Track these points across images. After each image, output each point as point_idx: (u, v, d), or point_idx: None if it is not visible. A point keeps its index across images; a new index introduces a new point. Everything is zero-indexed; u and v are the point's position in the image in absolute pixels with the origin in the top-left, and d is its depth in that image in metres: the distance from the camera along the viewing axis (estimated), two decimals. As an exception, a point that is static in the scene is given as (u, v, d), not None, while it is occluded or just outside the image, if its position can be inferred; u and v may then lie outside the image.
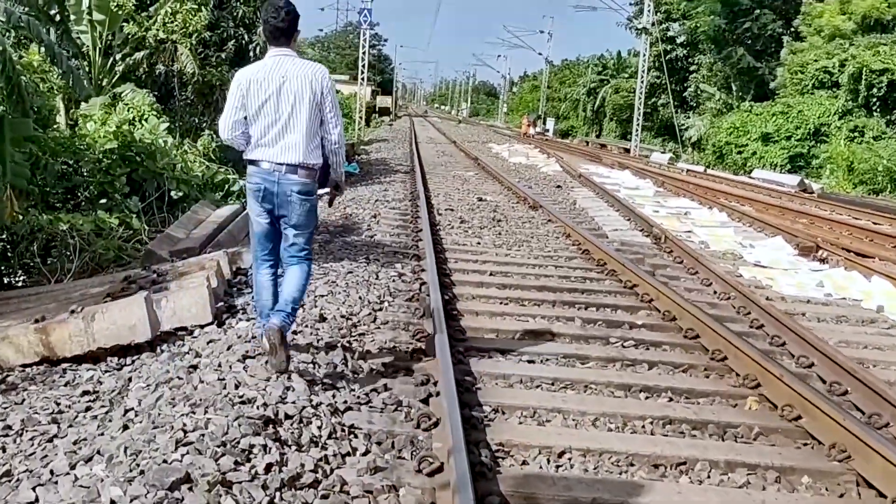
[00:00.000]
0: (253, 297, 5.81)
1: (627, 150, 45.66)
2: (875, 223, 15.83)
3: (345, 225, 11.40)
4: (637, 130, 44.58)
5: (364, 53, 38.86)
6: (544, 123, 64.57)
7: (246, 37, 17.07)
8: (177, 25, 14.16)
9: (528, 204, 15.62)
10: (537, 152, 34.79)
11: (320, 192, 5.23)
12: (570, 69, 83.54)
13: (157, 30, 14.19)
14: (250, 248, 5.46)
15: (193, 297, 6.32)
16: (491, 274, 9.05)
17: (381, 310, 7.00)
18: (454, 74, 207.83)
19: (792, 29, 36.98)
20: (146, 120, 12.46)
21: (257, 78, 4.86)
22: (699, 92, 46.44)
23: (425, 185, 17.55)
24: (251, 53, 17.42)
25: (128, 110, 12.82)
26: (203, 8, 14.65)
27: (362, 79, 39.05)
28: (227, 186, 12.78)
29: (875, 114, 30.13)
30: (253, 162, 4.96)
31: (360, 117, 39.30)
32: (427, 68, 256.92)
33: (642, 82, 44.55)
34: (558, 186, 19.86)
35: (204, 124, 15.51)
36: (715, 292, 8.83)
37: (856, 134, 29.91)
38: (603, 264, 9.83)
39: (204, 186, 12.50)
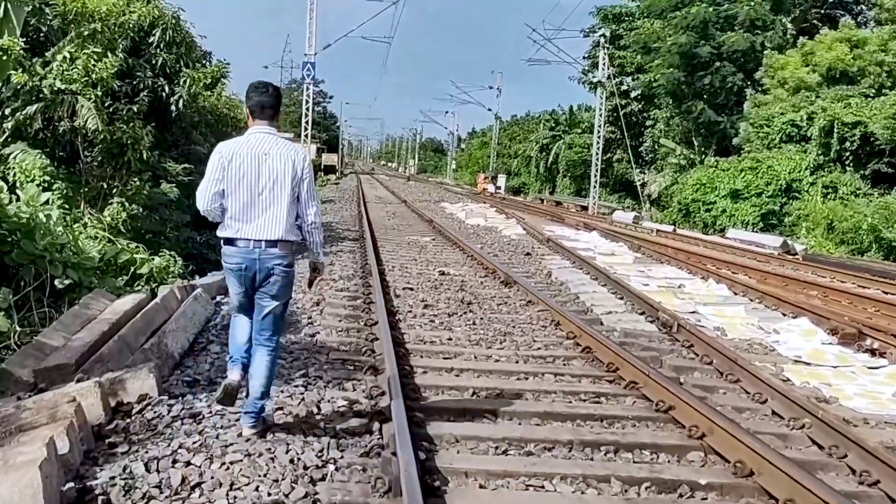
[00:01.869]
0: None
1: (585, 208, 44.01)
2: None
3: (279, 317, 8.99)
4: (595, 186, 42.89)
5: (308, 109, 36.66)
6: (495, 181, 62.72)
7: (167, 88, 14.74)
8: (77, 73, 11.79)
9: (498, 278, 13.37)
10: (494, 212, 32.74)
11: None
12: (520, 125, 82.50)
13: (54, 79, 11.80)
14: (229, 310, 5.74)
15: (18, 485, 3.89)
16: (475, 393, 6.70)
17: (322, 479, 4.60)
18: (401, 131, 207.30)
19: (753, 82, 35.73)
20: (23, 188, 10.03)
21: (239, 152, 4.94)
22: (656, 147, 45.14)
23: (377, 256, 15.22)
24: (173, 107, 15.08)
25: (7, 175, 10.41)
26: (110, 54, 12.29)
27: (306, 136, 36.79)
28: (132, 269, 10.29)
29: (848, 168, 28.70)
30: (230, 241, 4.99)
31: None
32: (373, 125, 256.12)
33: (599, 137, 43.02)
34: (527, 254, 17.66)
35: (114, 190, 13.03)
36: (774, 412, 6.60)
37: (829, 190, 28.43)
38: (614, 369, 7.55)
39: (103, 270, 10.05)
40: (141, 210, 14.18)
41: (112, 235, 11.71)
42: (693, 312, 11.34)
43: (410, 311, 10.10)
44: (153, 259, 11.92)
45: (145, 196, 13.58)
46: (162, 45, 15.05)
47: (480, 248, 18.06)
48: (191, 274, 14.90)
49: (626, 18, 49.38)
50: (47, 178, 11.32)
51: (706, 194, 32.26)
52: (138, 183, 13.23)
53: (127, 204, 12.93)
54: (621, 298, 11.99)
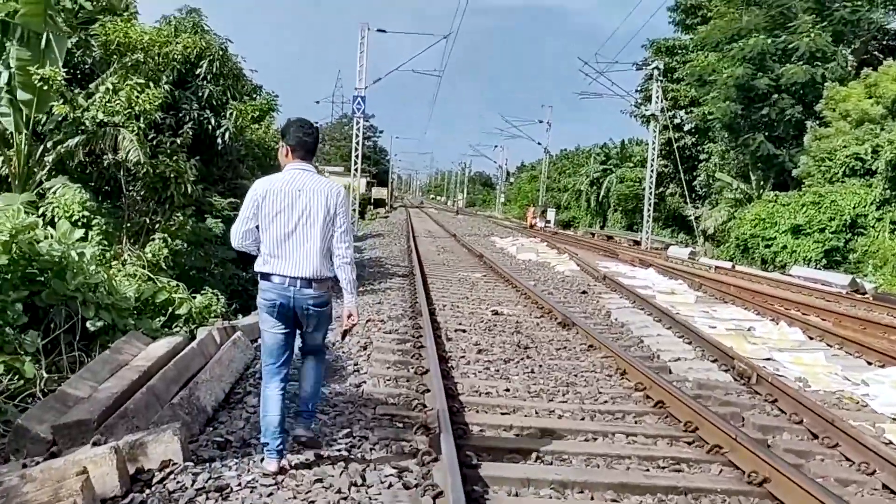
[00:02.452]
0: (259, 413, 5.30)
1: (637, 242, 43.12)
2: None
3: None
4: (648, 221, 41.92)
5: (358, 143, 36.37)
6: (544, 215, 61.83)
7: (213, 120, 14.36)
8: (120, 105, 11.40)
9: (555, 319, 12.64)
10: (546, 247, 31.96)
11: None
12: (569, 159, 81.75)
13: (96, 111, 11.42)
14: (261, 360, 5.37)
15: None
16: (538, 458, 5.97)
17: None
18: (450, 165, 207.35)
19: (813, 114, 34.60)
20: (56, 225, 9.58)
21: (273, 189, 4.94)
22: (711, 181, 44.08)
23: (427, 294, 14.57)
24: (219, 140, 14.68)
25: (47, 210, 10.00)
26: (153, 85, 11.89)
27: (356, 170, 36.47)
28: (171, 309, 9.75)
29: (918, 203, 27.46)
30: (265, 276, 4.99)
31: (354, 210, 36.60)
32: (423, 159, 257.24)
33: (652, 171, 42.14)
34: (584, 292, 16.87)
35: (157, 225, 12.58)
36: (885, 486, 5.77)
37: (896, 226, 27.22)
38: (693, 429, 6.75)
39: (140, 310, 9.53)
40: (185, 246, 13.75)
41: (153, 272, 11.23)
42: (768, 360, 10.48)
43: (463, 357, 9.40)
44: (194, 298, 11.43)
45: (189, 232, 13.14)
46: (209, 77, 14.69)
47: (534, 286, 17.33)
48: (234, 313, 14.48)
49: (679, 51, 48.68)
50: (86, 213, 10.88)
51: (765, 230, 31.13)
52: (182, 218, 12.78)
53: (170, 240, 12.47)
54: (689, 343, 11.16)
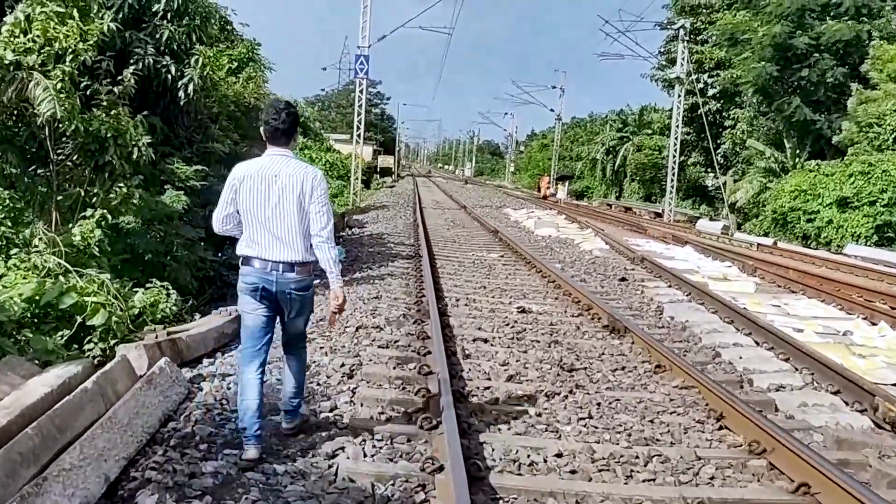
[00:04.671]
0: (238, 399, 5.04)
1: (659, 214, 40.34)
2: None
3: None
4: (671, 192, 39.08)
5: (361, 106, 33.46)
6: (564, 183, 58.77)
7: (173, 69, 11.57)
8: (32, 42, 8.67)
9: (597, 319, 9.95)
10: (564, 220, 29.22)
11: None
12: (582, 127, 78.64)
13: (3, 48, 8.70)
14: (241, 345, 5.19)
15: None
16: None
17: None
18: (458, 134, 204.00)
19: (858, 76, 31.56)
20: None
21: (251, 174, 4.91)
22: (738, 149, 41.13)
23: (436, 284, 11.86)
24: (181, 93, 11.88)
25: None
26: (83, 18, 9.11)
27: (358, 136, 33.58)
28: (82, 317, 7.02)
29: (981, 172, 24.57)
30: (247, 260, 4.96)
31: (357, 178, 33.72)
32: (430, 127, 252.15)
33: (675, 139, 39.19)
34: (623, 279, 14.11)
35: (94, 198, 9.85)
36: None
37: (957, 197, 24.36)
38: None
39: (38, 321, 6.83)
40: (138, 224, 11.05)
41: (79, 262, 8.52)
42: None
43: (489, 388, 6.69)
44: (135, 294, 8.76)
45: (137, 206, 10.39)
46: (168, 15, 11.88)
47: (561, 269, 14.64)
48: (206, 304, 11.91)
49: (704, 11, 45.49)
50: (-12, 184, 8.15)
51: (807, 202, 28.23)
52: (125, 190, 10.01)
53: (110, 217, 9.74)
54: (784, 358, 8.41)
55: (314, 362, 7.05)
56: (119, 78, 9.69)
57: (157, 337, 7.16)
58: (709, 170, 46.68)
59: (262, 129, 5.03)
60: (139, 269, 10.61)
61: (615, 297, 12.15)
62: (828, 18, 32.75)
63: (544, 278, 13.64)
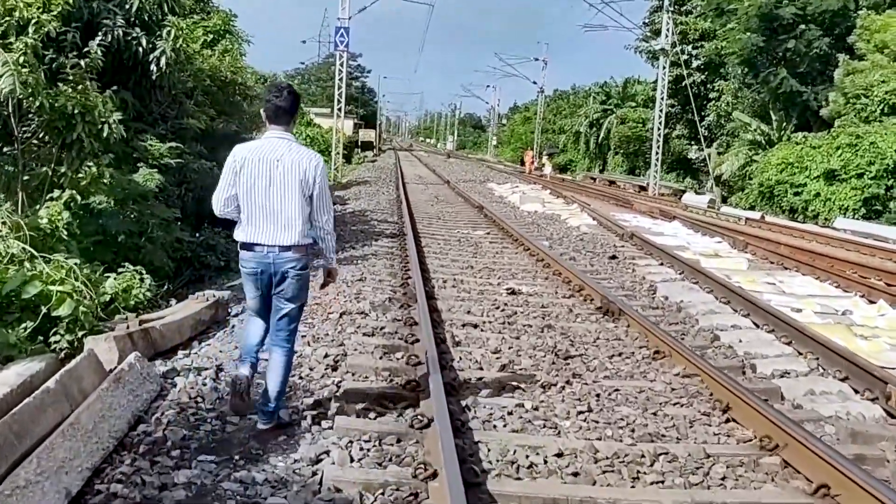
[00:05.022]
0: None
1: (643, 188, 40.01)
2: None
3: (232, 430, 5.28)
4: (656, 165, 38.76)
5: (341, 79, 32.83)
6: (541, 158, 58.28)
7: (144, 41, 11.03)
8: (-8, 10, 8.17)
9: (590, 300, 9.62)
10: (549, 195, 28.85)
11: None
12: (565, 99, 78.06)
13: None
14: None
15: None
16: None
17: None
18: (439, 107, 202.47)
19: (845, 46, 31.19)
20: None
21: (252, 158, 4.87)
22: (722, 122, 40.80)
23: (422, 265, 11.46)
24: (153, 66, 11.35)
25: None
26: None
27: (339, 110, 32.98)
28: (47, 307, 6.57)
29: (971, 143, 24.34)
30: (246, 246, 4.96)
31: (338, 153, 33.16)
32: (412, 100, 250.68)
33: (660, 111, 38.82)
34: (613, 257, 13.76)
35: (62, 178, 9.36)
36: None
37: (946, 168, 24.14)
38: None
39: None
40: (110, 204, 10.61)
41: (46, 246, 8.08)
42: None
43: (482, 379, 6.31)
44: (106, 279, 8.34)
45: (107, 186, 9.92)
46: (138, -16, 11.34)
47: (549, 247, 14.29)
48: (184, 285, 11.54)
49: (688, -20, 44.96)
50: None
51: (794, 175, 27.95)
52: (95, 169, 9.53)
53: (79, 197, 9.29)
54: (786, 341, 8.07)
55: (294, 352, 6.66)
56: (86, 50, 9.15)
57: (128, 327, 6.74)
58: (692, 142, 46.40)
59: (262, 108, 5.04)
60: (112, 251, 10.18)
61: (606, 277, 11.80)
62: (814, -12, 32.34)
63: (532, 257, 13.27)
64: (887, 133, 25.90)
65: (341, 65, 33.14)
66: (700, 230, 18.74)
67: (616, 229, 17.61)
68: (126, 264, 8.94)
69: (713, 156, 39.49)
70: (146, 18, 11.37)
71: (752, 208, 29.16)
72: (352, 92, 72.03)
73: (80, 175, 9.55)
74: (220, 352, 6.88)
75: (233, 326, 8.30)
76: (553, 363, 6.90)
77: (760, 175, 30.01)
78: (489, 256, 13.31)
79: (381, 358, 6.69)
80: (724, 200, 33.69)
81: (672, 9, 38.76)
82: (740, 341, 8.10)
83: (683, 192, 38.27)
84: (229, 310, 9.20)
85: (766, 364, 7.29)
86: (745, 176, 33.25)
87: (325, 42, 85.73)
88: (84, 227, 9.87)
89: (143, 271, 8.95)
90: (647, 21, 46.40)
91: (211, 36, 14.67)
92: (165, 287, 9.72)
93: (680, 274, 12.10)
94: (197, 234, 12.92)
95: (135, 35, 11.14)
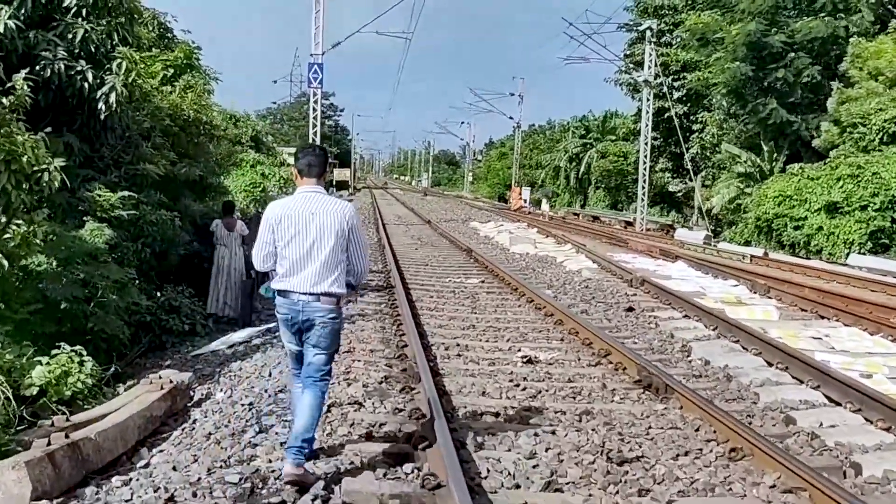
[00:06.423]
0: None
1: (629, 223, 38.68)
2: None
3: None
4: (643, 200, 37.54)
5: (315, 117, 31.35)
6: (520, 194, 57.09)
7: (90, 75, 9.45)
8: None
9: (622, 369, 8.09)
10: (539, 235, 27.40)
11: None
12: (542, 134, 77.16)
13: None
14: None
15: None
16: None
17: None
18: (413, 144, 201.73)
19: (836, 74, 30.19)
20: None
21: (287, 214, 5.06)
22: (706, 154, 39.75)
23: (418, 328, 9.89)
24: (101, 105, 9.75)
25: None
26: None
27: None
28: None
29: (979, 173, 23.18)
30: (282, 293, 5.08)
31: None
32: (385, 138, 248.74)
33: (645, 144, 37.73)
34: (629, 309, 12.24)
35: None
36: None
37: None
38: None
39: None
40: (52, 265, 9.02)
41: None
42: None
43: (522, 506, 4.72)
44: (34, 367, 6.74)
45: (40, 247, 8.28)
46: (83, 12, 9.80)
47: (554, 297, 12.79)
48: (142, 354, 10.00)
49: (668, 12, 44.09)
50: None
51: (793, 208, 26.70)
52: (25, 227, 7.91)
53: (6, 262, 7.66)
54: (884, 427, 6.51)
55: (275, 470, 5.06)
56: (10, 86, 7.55)
57: (49, 442, 5.09)
58: (674, 175, 45.36)
59: (295, 165, 5.25)
60: (55, 322, 8.59)
61: (629, 335, 10.28)
62: (803, 16, 31.40)
63: (538, 310, 11.77)
64: (889, 163, 24.73)
65: (315, 102, 31.66)
66: (710, 271, 17.31)
67: (621, 273, 16.11)
68: (62, 344, 7.33)
69: (699, 188, 38.35)
70: (93, 49, 9.79)
71: (747, 243, 27.89)
72: (325, 131, 70.67)
73: (6, 236, 7.90)
74: (174, 469, 5.24)
75: (194, 421, 6.71)
76: (608, 473, 5.32)
77: (756, 209, 28.72)
78: (490, 312, 11.77)
79: (385, 476, 5.08)
80: (716, 235, 32.42)
81: (653, 40, 37.79)
82: (821, 425, 6.58)
83: (671, 226, 37.05)
84: (191, 394, 7.61)
85: (870, 462, 5.73)
86: (737, 209, 32.04)
87: (297, 81, 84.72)
88: (19, 294, 8.30)
89: (84, 352, 7.36)
90: (627, 53, 45.45)
91: (172, 70, 13.09)
92: (112, 370, 8.06)
93: (713, 329, 10.57)
94: (158, 294, 11.26)
95: (79, 69, 9.55)
